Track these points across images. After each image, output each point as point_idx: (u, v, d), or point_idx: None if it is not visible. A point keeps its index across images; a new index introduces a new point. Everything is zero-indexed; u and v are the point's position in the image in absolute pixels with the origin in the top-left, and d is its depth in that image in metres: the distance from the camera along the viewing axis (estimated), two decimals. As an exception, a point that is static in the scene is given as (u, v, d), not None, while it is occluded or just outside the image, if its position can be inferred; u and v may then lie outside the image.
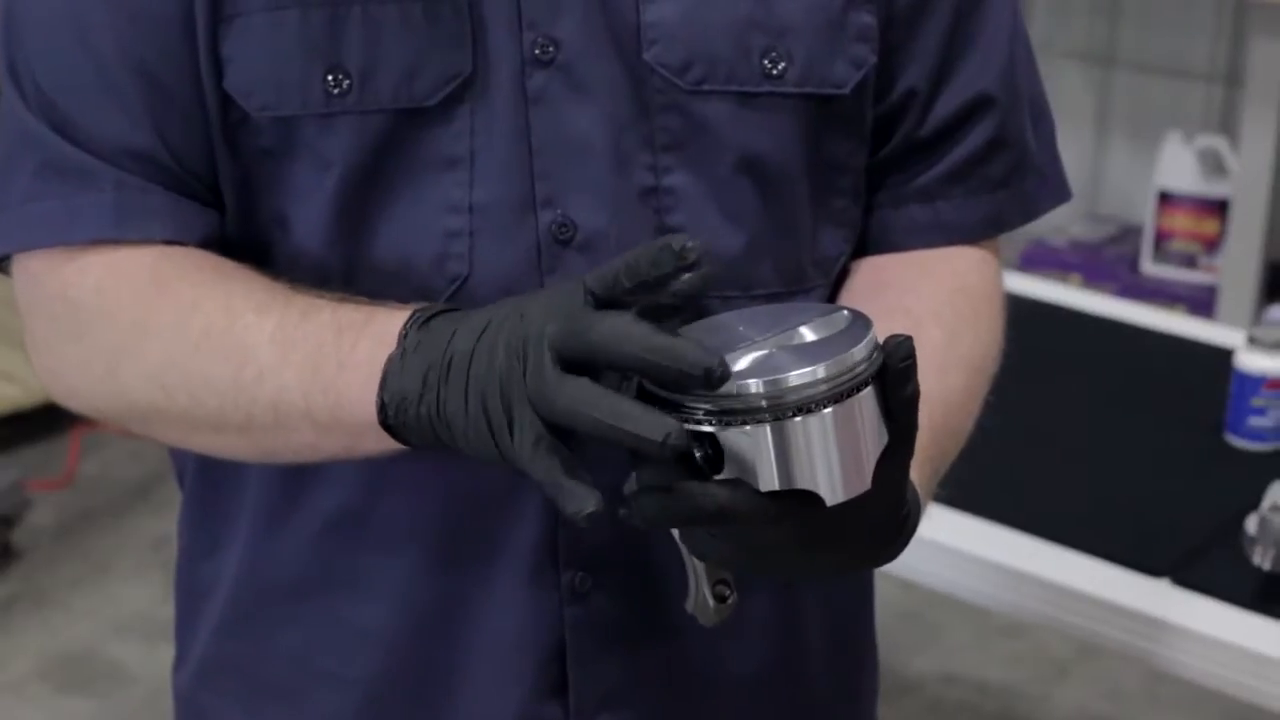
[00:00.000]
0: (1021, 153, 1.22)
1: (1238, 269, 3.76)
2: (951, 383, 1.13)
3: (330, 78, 1.06)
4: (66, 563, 3.44)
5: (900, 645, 3.14)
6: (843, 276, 1.20)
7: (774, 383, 0.88)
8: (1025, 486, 1.99)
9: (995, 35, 1.19)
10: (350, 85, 1.06)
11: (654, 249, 0.89)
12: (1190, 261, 3.98)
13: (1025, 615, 1.89)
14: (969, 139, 1.19)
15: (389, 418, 0.97)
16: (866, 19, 1.13)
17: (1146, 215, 4.02)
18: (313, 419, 1.01)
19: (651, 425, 0.87)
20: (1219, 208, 3.92)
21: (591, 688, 1.16)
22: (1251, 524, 1.84)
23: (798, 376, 0.88)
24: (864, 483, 0.91)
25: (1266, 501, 1.84)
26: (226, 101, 1.07)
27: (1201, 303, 3.88)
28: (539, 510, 1.12)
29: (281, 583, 1.18)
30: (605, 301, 0.91)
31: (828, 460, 0.90)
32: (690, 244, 0.89)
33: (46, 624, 3.25)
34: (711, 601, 1.00)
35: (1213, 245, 3.94)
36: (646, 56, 1.09)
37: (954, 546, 1.89)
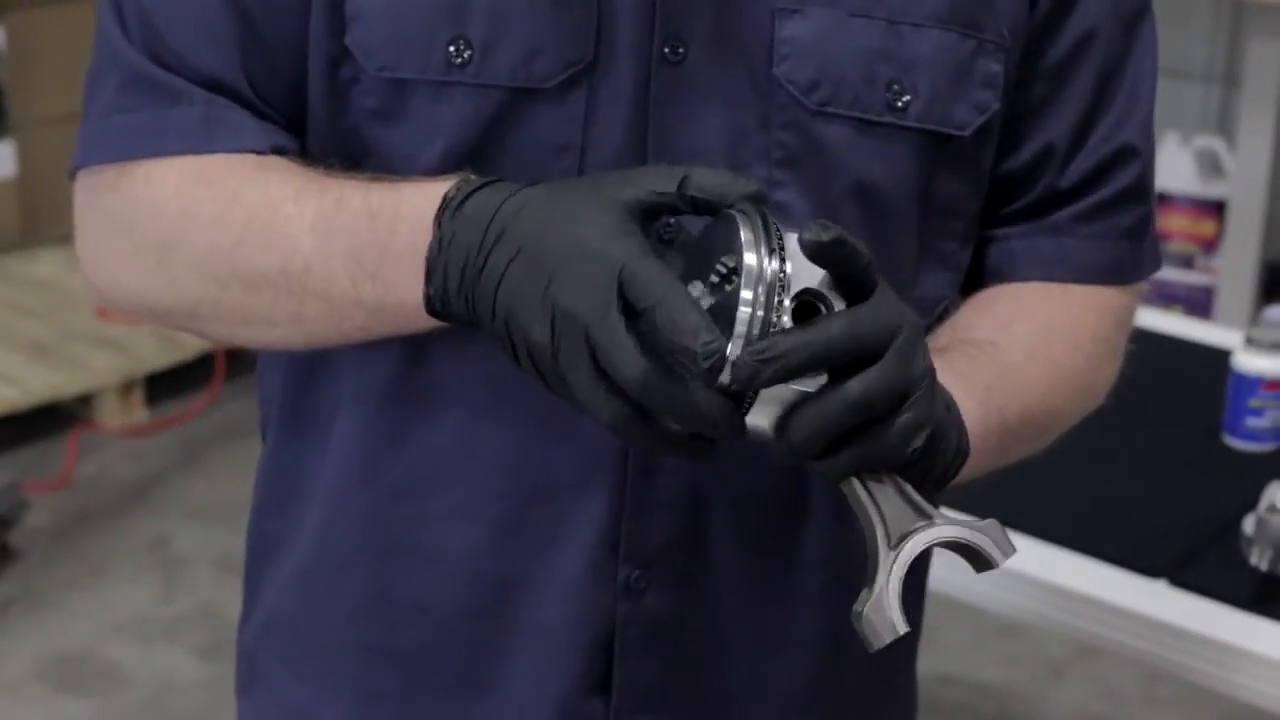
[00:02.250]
0: (1149, 210, 1.24)
1: (1235, 270, 3.76)
2: (1014, 330, 1.17)
3: (452, 47, 1.07)
4: (63, 564, 3.43)
5: (897, 646, 3.14)
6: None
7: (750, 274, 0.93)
8: (1022, 487, 1.99)
9: (1138, 85, 1.21)
10: (471, 56, 1.07)
11: (679, 333, 0.92)
12: (1188, 262, 3.99)
13: (1022, 616, 1.89)
14: (1108, 186, 1.21)
15: (436, 308, 1.02)
16: (994, 67, 1.14)
17: (1144, 216, 4.02)
18: (363, 305, 1.05)
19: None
20: (1216, 209, 3.92)
21: (635, 687, 1.16)
22: (1249, 525, 1.84)
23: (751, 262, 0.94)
24: None
25: (1264, 502, 1.84)
26: (340, 60, 1.09)
27: (1199, 303, 3.88)
28: (607, 503, 1.12)
29: (344, 548, 1.18)
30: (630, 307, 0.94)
31: None
32: (714, 345, 0.92)
33: (43, 625, 3.24)
34: (987, 520, 0.98)
35: (1210, 246, 3.95)
36: (776, 71, 1.10)
37: (951, 547, 1.89)
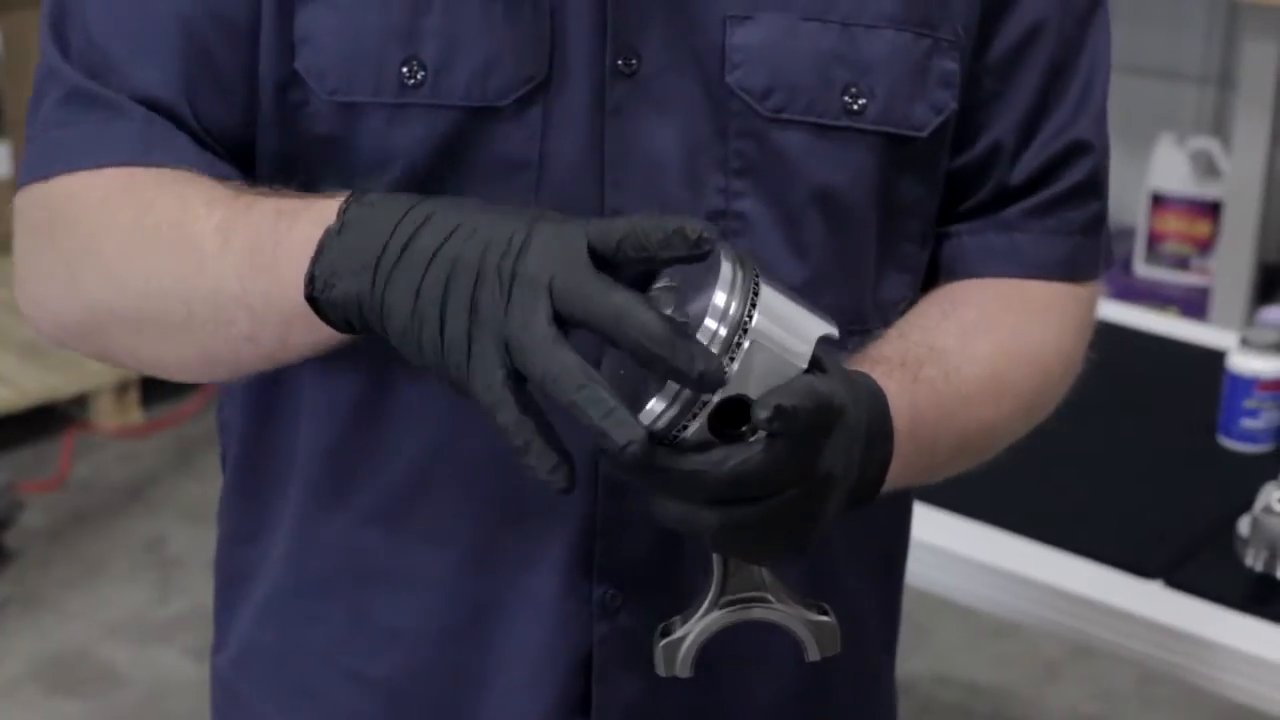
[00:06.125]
0: (1103, 206, 1.22)
1: (1230, 271, 3.76)
2: (975, 348, 1.14)
3: (405, 68, 1.06)
4: (58, 565, 3.43)
5: (893, 647, 3.14)
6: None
7: (716, 309, 0.91)
8: (1017, 488, 1.99)
9: (1091, 80, 1.20)
10: (424, 77, 1.06)
11: (665, 229, 0.90)
12: (1183, 263, 3.99)
13: (1017, 616, 1.89)
14: (1061, 181, 1.19)
15: (315, 291, 0.96)
16: (950, 65, 1.13)
17: (1139, 217, 4.02)
18: (248, 306, 1.00)
19: (622, 428, 0.88)
20: (1211, 209, 3.93)
21: (614, 706, 1.15)
22: (1244, 525, 1.84)
23: (721, 287, 0.91)
24: (830, 319, 0.95)
25: (1259, 503, 1.84)
26: (289, 84, 1.07)
27: (1194, 304, 3.88)
28: (578, 523, 1.11)
29: (318, 576, 1.18)
30: (603, 261, 0.91)
31: (802, 313, 0.94)
32: (706, 233, 0.89)
33: (38, 626, 3.24)
34: (825, 619, 1.00)
35: (1205, 247, 3.95)
36: (729, 80, 1.08)
37: (945, 548, 1.89)
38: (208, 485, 3.69)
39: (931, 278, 1.20)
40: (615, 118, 1.07)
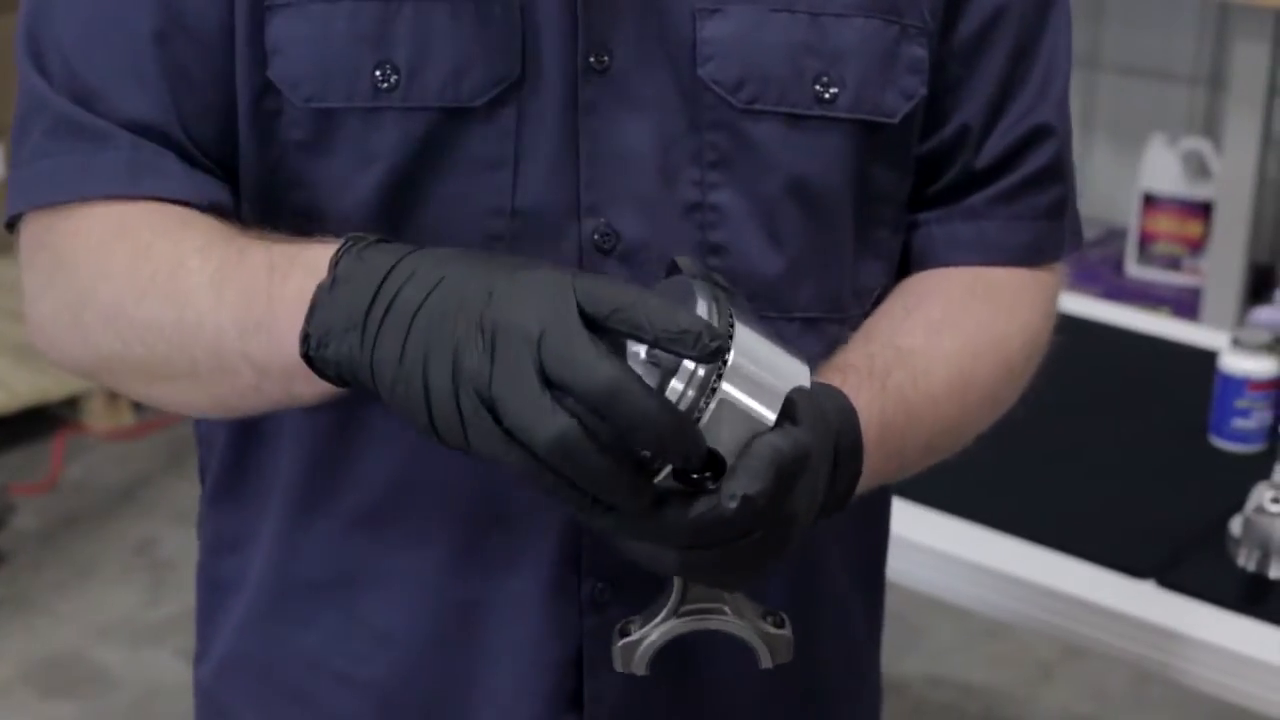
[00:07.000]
0: (1067, 189, 1.23)
1: (1222, 271, 3.77)
2: (942, 346, 1.14)
3: (378, 71, 1.06)
4: (50, 567, 3.43)
5: (884, 647, 3.14)
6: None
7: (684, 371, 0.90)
8: (1009, 488, 1.99)
9: (1052, 65, 1.20)
10: (398, 80, 1.06)
11: (677, 323, 0.87)
12: (1174, 264, 3.99)
13: (1010, 617, 1.89)
14: (1024, 166, 1.20)
15: (310, 349, 0.95)
16: (919, 52, 1.14)
17: (1131, 217, 4.03)
18: (250, 360, 1.00)
19: (632, 489, 0.89)
20: (1203, 210, 3.93)
21: (606, 701, 1.16)
22: (1236, 525, 1.84)
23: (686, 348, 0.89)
24: (804, 358, 0.95)
25: (1251, 503, 1.84)
26: (263, 92, 1.07)
27: (1186, 305, 3.88)
28: (565, 520, 1.11)
29: (304, 581, 1.18)
30: (591, 324, 0.88)
31: (776, 354, 0.93)
32: (717, 344, 0.88)
33: (30, 628, 3.24)
34: (780, 631, 1.00)
35: (1197, 247, 3.95)
36: (700, 73, 1.09)
37: (938, 548, 1.89)
38: (199, 487, 3.68)
39: (902, 267, 1.21)
40: (589, 115, 1.08)
